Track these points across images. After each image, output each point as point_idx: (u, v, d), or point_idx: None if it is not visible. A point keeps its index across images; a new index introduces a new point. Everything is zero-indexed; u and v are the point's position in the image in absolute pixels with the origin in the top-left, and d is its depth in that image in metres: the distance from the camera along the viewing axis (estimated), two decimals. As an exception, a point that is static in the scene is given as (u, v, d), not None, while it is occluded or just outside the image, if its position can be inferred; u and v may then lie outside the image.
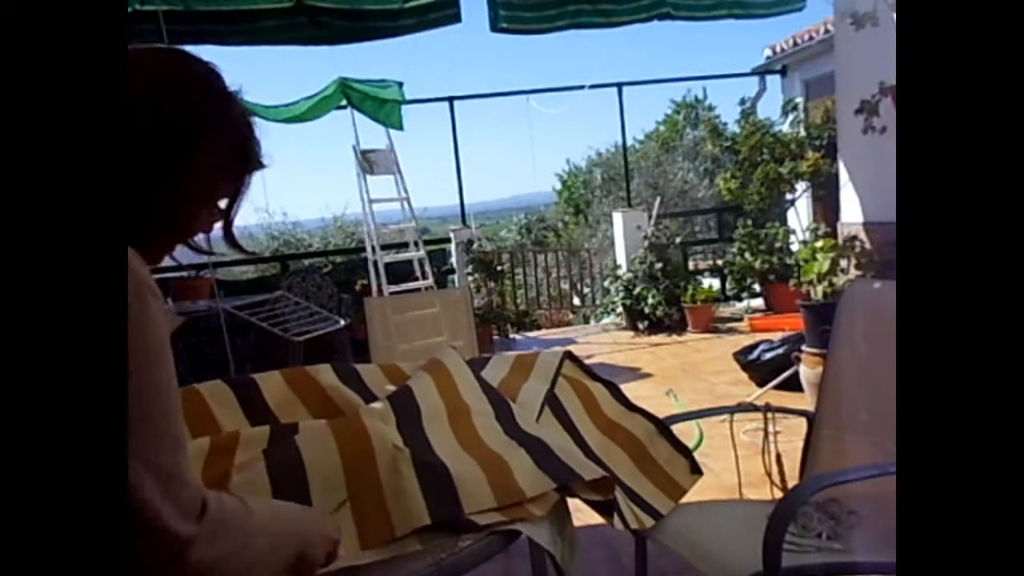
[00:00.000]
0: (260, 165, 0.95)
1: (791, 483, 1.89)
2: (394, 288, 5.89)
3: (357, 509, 1.22)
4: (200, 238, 0.99)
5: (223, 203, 0.96)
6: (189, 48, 0.99)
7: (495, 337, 7.10)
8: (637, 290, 7.06)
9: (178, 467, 0.76)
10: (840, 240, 5.12)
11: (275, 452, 1.38)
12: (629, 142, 12.94)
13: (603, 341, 7.00)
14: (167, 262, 1.02)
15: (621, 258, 7.63)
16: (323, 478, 1.27)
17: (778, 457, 1.96)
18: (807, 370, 4.01)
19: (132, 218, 0.78)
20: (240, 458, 1.40)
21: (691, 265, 8.07)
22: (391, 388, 1.75)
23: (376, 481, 1.26)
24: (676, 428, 1.73)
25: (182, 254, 1.02)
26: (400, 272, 6.13)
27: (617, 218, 7.87)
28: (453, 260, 7.34)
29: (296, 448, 1.34)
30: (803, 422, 1.98)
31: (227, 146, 0.92)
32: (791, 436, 2.14)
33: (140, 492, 0.73)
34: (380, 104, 5.91)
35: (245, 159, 0.95)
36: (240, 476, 1.29)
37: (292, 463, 1.30)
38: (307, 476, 1.26)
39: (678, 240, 7.87)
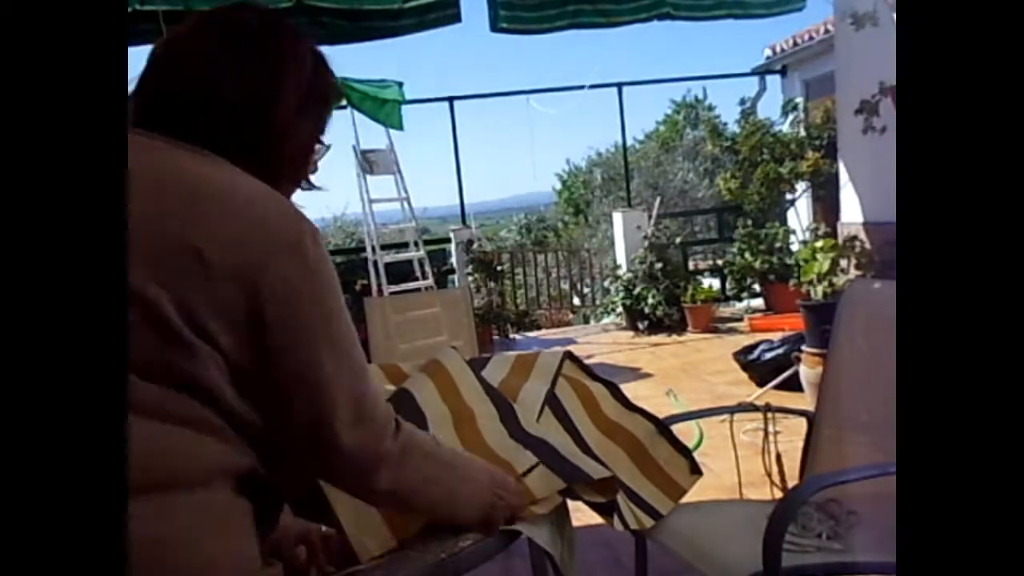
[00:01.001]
0: (339, 96, 1.03)
1: (791, 483, 1.89)
2: (394, 288, 5.89)
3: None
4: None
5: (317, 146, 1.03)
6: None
7: (495, 337, 7.10)
8: (637, 290, 7.06)
9: (371, 390, 0.86)
10: (840, 240, 5.12)
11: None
12: (629, 142, 12.94)
13: (603, 341, 7.00)
14: None
15: (621, 258, 7.63)
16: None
17: (778, 457, 1.96)
18: (807, 370, 4.01)
19: (259, 171, 0.88)
20: None
21: (691, 265, 8.07)
22: (391, 388, 1.75)
23: None
24: (676, 428, 1.73)
25: None
26: (400, 272, 6.13)
27: (617, 218, 7.87)
28: (453, 260, 7.34)
29: None
30: (803, 422, 1.98)
31: (305, 80, 0.97)
32: (791, 436, 2.14)
33: (334, 419, 0.82)
34: (380, 104, 5.91)
35: (323, 92, 1.01)
36: None
37: None
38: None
39: (678, 240, 7.87)
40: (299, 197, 1.06)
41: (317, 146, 1.03)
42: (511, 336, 7.41)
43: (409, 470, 0.92)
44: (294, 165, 1.00)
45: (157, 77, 0.93)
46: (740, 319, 7.07)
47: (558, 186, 17.26)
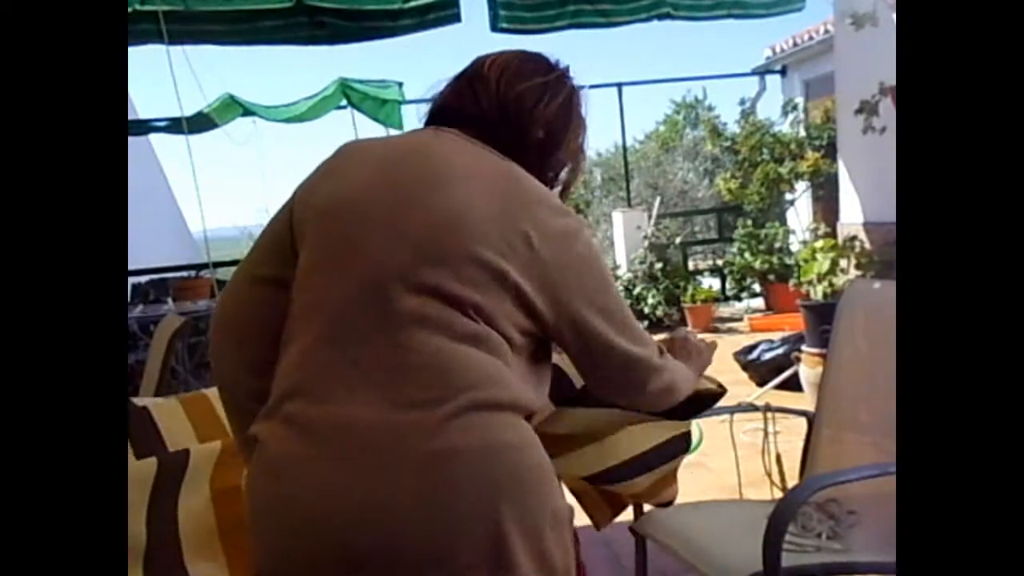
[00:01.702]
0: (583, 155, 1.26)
1: (791, 483, 1.89)
2: (394, 288, 5.87)
3: None
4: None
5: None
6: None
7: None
8: (637, 290, 7.06)
9: (641, 332, 1.11)
10: (840, 240, 5.12)
11: None
12: (629, 142, 12.90)
13: (603, 341, 6.98)
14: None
15: (621, 258, 7.63)
16: None
17: (778, 457, 1.95)
18: (807, 370, 4.01)
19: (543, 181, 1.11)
20: None
21: (691, 265, 8.06)
22: None
23: None
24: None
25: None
26: (400, 272, 6.12)
27: (617, 218, 7.86)
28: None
29: None
30: (803, 422, 1.98)
31: (583, 128, 1.22)
32: (791, 436, 2.14)
33: (630, 351, 1.07)
34: (380, 104, 5.91)
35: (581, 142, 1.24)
36: None
37: None
38: None
39: (678, 240, 7.86)
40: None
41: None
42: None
43: (673, 373, 1.19)
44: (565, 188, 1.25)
45: (478, 89, 1.13)
46: (740, 319, 7.07)
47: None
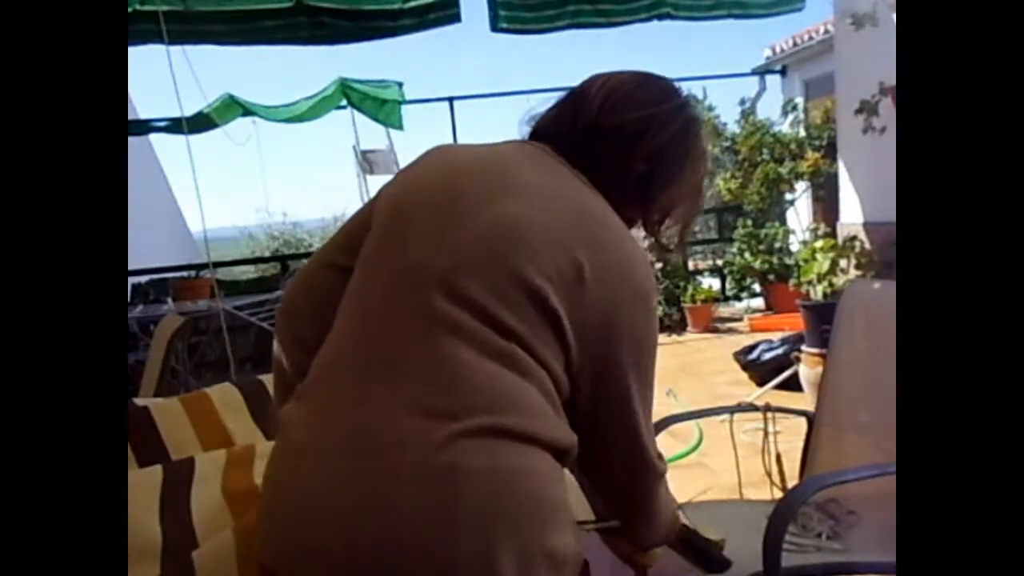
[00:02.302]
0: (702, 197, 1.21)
1: (791, 483, 1.89)
2: (394, 288, 5.87)
3: None
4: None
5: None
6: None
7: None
8: (637, 290, 7.04)
9: (652, 433, 1.05)
10: (840, 240, 5.12)
11: None
12: (629, 142, 12.91)
13: (603, 341, 6.98)
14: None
15: (621, 258, 7.61)
16: None
17: (778, 457, 1.95)
18: (807, 370, 4.01)
19: (629, 220, 1.08)
20: (260, 472, 1.39)
21: (691, 265, 8.06)
22: None
23: None
24: (676, 428, 1.73)
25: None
26: (400, 272, 6.12)
27: (617, 218, 7.85)
28: (453, 260, 7.31)
29: None
30: (803, 422, 1.98)
31: (702, 173, 1.16)
32: (791, 436, 2.14)
33: (642, 430, 1.02)
34: (380, 104, 5.91)
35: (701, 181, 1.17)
36: None
37: None
38: None
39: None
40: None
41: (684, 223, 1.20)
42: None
43: (667, 492, 1.14)
44: (662, 231, 1.18)
45: (578, 109, 1.07)
46: (740, 319, 7.07)
47: (558, 186, 17.20)
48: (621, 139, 1.05)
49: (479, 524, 0.84)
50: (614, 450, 1.03)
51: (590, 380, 0.97)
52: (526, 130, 1.12)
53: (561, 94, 1.12)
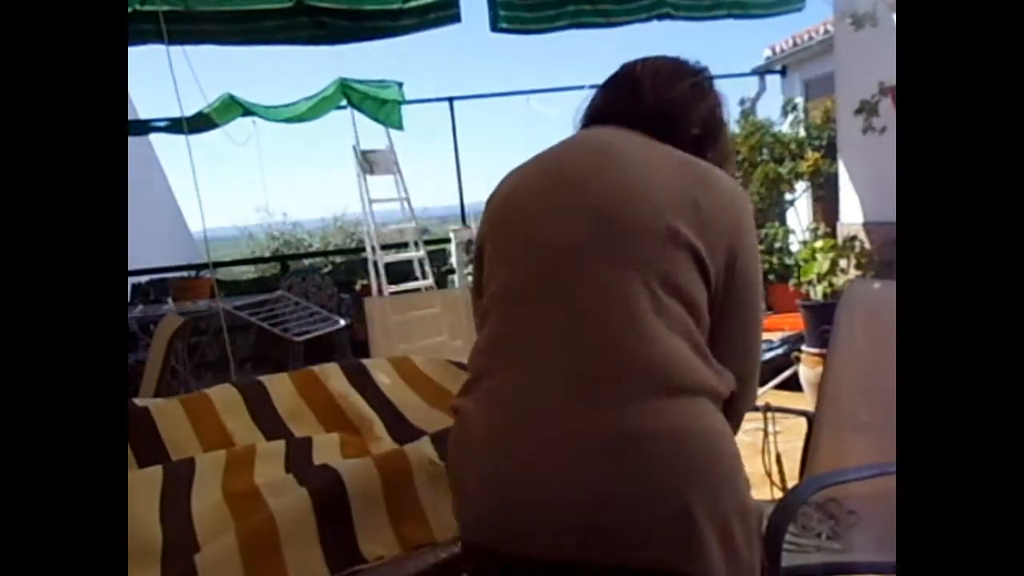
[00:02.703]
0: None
1: (791, 483, 1.89)
2: (394, 288, 5.87)
3: (395, 516, 1.23)
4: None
5: None
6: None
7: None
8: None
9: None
10: (840, 240, 5.12)
11: (305, 469, 1.39)
12: (629, 142, 12.91)
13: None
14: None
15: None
16: (361, 487, 1.26)
17: (778, 457, 1.95)
18: (807, 370, 4.01)
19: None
20: (261, 472, 1.39)
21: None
22: (402, 386, 1.76)
23: (414, 493, 1.27)
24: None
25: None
26: (400, 272, 6.12)
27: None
28: (453, 260, 7.31)
29: (331, 466, 1.34)
30: (803, 422, 1.98)
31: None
32: (791, 436, 2.14)
33: (754, 349, 1.12)
34: (380, 104, 5.90)
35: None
36: (272, 495, 1.29)
37: (329, 479, 1.29)
38: (346, 489, 1.25)
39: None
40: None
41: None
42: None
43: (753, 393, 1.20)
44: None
45: (635, 90, 1.20)
46: (740, 319, 7.05)
47: (558, 186, 17.19)
48: (679, 108, 1.18)
49: (673, 485, 0.91)
50: (738, 341, 1.10)
51: (726, 270, 1.05)
52: (580, 122, 1.24)
53: (598, 89, 1.24)
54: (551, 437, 0.93)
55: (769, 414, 1.98)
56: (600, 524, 0.90)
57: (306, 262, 7.95)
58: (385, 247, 6.22)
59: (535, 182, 1.12)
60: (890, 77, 4.34)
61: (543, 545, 0.92)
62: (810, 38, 8.26)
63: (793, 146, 6.95)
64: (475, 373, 1.05)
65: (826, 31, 7.41)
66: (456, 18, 4.89)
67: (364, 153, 5.94)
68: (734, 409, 1.11)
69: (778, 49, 9.10)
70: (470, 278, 1.24)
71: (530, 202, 1.09)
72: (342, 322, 5.48)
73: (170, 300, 5.53)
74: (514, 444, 0.95)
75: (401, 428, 1.57)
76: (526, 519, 0.93)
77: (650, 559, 0.90)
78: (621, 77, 1.23)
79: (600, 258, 1.00)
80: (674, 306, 0.98)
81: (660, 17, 5.11)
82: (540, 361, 0.98)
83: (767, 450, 1.96)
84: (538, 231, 1.05)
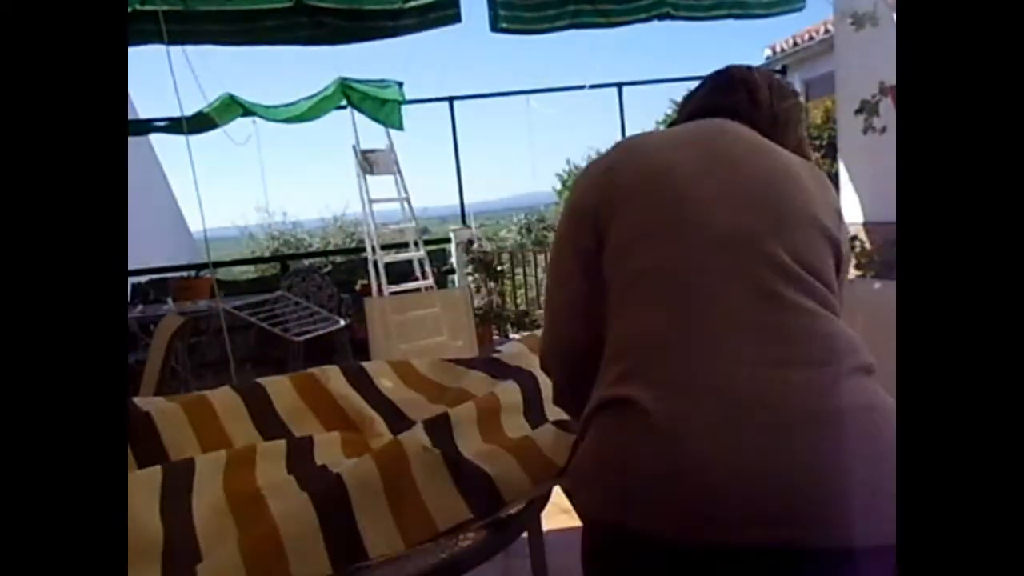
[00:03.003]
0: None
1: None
2: (394, 288, 5.88)
3: (397, 510, 1.23)
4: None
5: None
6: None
7: (495, 336, 7.10)
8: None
9: None
10: (840, 240, 5.11)
11: (305, 467, 1.39)
12: (629, 142, 12.89)
13: (603, 341, 6.97)
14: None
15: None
16: (362, 485, 1.26)
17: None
18: (807, 370, 4.00)
19: None
20: (262, 473, 1.39)
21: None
22: (402, 387, 1.76)
23: (413, 484, 1.27)
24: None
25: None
26: (400, 272, 6.12)
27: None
28: (453, 260, 7.33)
29: (333, 469, 1.34)
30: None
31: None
32: (791, 436, 2.13)
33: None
34: (380, 104, 5.90)
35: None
36: (274, 497, 1.29)
37: (331, 482, 1.28)
38: (348, 492, 1.25)
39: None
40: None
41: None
42: (511, 336, 7.40)
43: None
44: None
45: (752, 92, 1.27)
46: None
47: (558, 186, 17.21)
48: (788, 121, 1.28)
49: (873, 464, 0.88)
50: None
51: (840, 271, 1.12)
52: (685, 115, 1.30)
53: (704, 85, 1.33)
54: (750, 422, 0.89)
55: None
56: (803, 507, 0.86)
57: (306, 262, 7.95)
58: (385, 247, 6.22)
59: (681, 158, 1.11)
60: (890, 77, 4.34)
61: (754, 535, 0.86)
62: (810, 38, 8.27)
63: (793, 146, 6.95)
64: (636, 358, 0.99)
65: (826, 31, 7.42)
66: (456, 18, 4.89)
67: (364, 153, 5.95)
68: None
69: (778, 49, 9.11)
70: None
71: (681, 180, 1.08)
72: (342, 322, 5.49)
73: (170, 300, 5.54)
74: (710, 431, 0.90)
75: (403, 425, 1.57)
76: (731, 507, 0.87)
77: (880, 535, 0.84)
78: (736, 80, 1.30)
79: (776, 243, 1.02)
80: (832, 297, 1.05)
81: (660, 17, 5.11)
82: (727, 345, 0.94)
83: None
84: (700, 210, 1.04)
